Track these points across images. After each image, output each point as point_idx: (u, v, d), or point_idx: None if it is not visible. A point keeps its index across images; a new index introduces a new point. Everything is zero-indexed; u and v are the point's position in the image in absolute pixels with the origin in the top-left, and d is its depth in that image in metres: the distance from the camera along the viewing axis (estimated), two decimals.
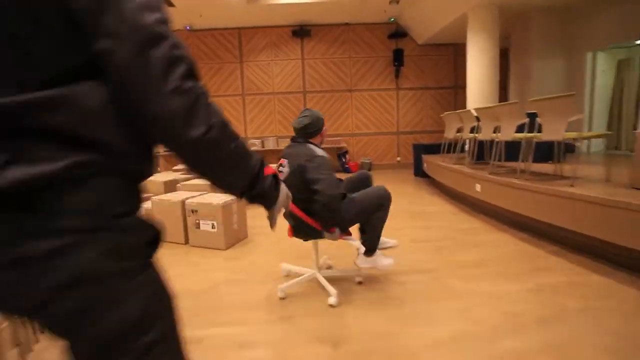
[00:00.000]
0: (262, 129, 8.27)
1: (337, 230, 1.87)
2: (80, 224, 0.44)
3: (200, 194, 3.23)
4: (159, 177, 4.13)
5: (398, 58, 7.66)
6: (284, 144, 8.17)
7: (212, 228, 2.91)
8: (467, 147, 4.88)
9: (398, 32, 7.70)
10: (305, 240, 2.02)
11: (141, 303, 0.49)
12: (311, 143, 1.93)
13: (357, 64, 8.04)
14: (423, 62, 8.05)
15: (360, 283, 2.16)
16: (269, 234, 3.19)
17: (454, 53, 8.00)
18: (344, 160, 7.84)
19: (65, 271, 0.43)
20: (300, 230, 1.95)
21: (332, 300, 1.89)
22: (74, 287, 0.43)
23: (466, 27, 5.64)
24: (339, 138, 8.00)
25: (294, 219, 1.89)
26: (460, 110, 4.64)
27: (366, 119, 8.20)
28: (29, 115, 0.41)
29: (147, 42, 0.45)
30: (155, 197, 3.25)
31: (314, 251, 2.10)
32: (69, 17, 0.43)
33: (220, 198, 2.97)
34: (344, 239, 1.96)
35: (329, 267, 2.44)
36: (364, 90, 8.12)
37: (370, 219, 2.02)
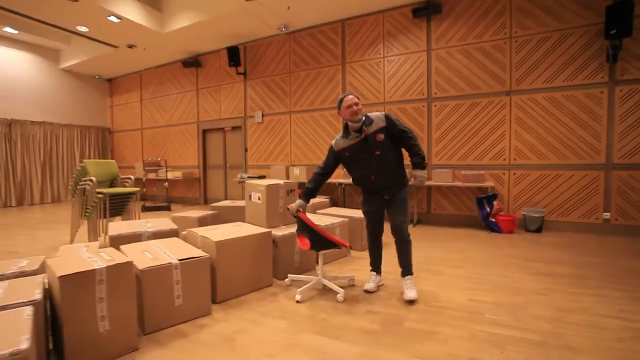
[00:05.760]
0: None
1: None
2: None
3: None
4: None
5: (618, 22, 3.94)
6: None
7: None
8: None
9: None
10: (317, 252, 2.47)
11: None
12: None
13: (525, 46, 4.73)
14: None
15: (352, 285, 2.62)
16: None
17: None
18: (488, 209, 4.61)
19: None
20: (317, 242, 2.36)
21: (340, 297, 2.34)
22: None
23: None
24: (481, 172, 4.81)
25: (310, 232, 2.36)
26: None
27: (537, 140, 4.71)
28: None
29: None
30: None
31: (321, 260, 2.51)
32: None
33: None
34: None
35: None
36: (535, 90, 4.69)
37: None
